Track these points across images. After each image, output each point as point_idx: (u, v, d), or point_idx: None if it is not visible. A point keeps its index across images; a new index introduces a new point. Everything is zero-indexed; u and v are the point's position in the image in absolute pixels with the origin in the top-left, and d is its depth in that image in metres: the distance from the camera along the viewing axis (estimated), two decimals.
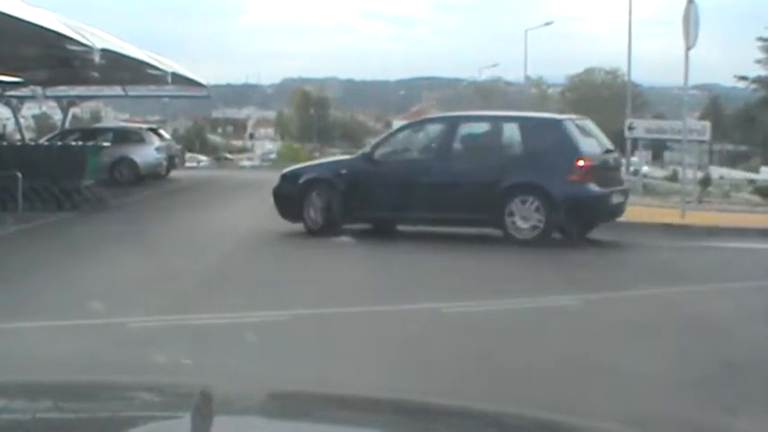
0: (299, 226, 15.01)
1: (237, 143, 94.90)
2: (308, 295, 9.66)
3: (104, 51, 21.29)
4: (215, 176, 33.86)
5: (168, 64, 28.45)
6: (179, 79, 30.37)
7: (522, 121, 14.84)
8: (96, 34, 21.74)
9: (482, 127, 15.39)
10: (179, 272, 11.35)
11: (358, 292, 9.96)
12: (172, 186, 28.74)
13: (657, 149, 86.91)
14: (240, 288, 10.13)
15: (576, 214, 13.33)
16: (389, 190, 14.16)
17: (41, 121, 75.36)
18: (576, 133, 13.87)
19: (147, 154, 28.60)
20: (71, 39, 19.75)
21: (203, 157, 60.31)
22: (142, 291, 9.94)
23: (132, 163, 28.41)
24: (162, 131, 33.50)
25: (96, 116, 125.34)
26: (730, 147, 76.63)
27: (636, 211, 17.65)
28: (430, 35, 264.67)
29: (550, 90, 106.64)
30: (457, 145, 14.66)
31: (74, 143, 23.65)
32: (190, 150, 76.96)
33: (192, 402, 2.30)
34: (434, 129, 15.46)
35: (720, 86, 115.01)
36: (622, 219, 16.22)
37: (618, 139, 74.79)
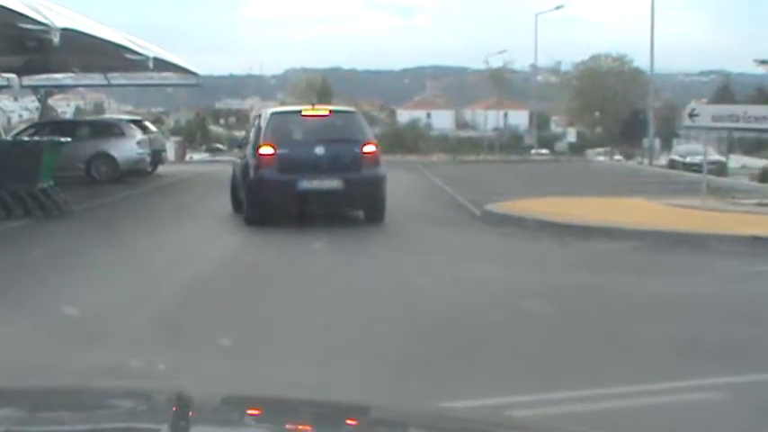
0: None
1: (240, 134, 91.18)
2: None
3: (65, 31, 17.77)
4: (207, 172, 30.03)
5: (151, 48, 24.84)
6: (165, 66, 26.75)
7: (261, 114, 16.32)
8: (58, 12, 18.15)
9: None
10: (123, 321, 7.78)
11: None
12: (155, 185, 25.11)
13: (667, 137, 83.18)
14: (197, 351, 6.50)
15: (257, 195, 14.42)
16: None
17: (45, 114, 71.92)
18: (277, 124, 15.03)
19: (126, 149, 24.93)
20: (24, 16, 16.21)
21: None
22: (57, 355, 6.35)
23: (110, 159, 24.77)
24: (147, 123, 29.80)
25: (99, 108, 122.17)
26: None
27: (709, 218, 14.01)
28: (434, 24, 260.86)
29: (553, 78, 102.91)
30: (249, 136, 16.20)
31: (27, 138, 20.00)
32: (191, 142, 73.11)
33: (170, 406, 2.20)
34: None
35: (727, 72, 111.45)
36: (697, 230, 12.62)
37: (629, 126, 70.69)
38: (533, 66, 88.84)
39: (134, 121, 29.20)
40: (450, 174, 27.82)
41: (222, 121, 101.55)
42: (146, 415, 2.26)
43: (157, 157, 28.61)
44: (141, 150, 25.30)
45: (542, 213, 14.84)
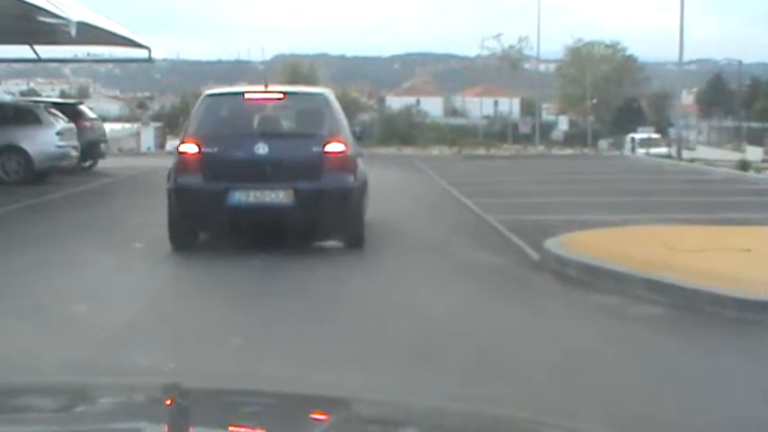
0: None
1: None
2: None
3: None
4: (164, 167, 23.01)
5: (83, 13, 18.19)
6: (99, 35, 19.97)
7: None
8: None
9: None
10: None
11: None
12: (83, 187, 18.32)
13: (662, 126, 76.86)
14: None
15: (176, 209, 10.15)
16: None
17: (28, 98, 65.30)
18: (208, 111, 10.62)
19: (43, 141, 18.14)
20: None
21: None
22: None
23: (22, 154, 18.07)
24: (84, 108, 23.00)
25: (84, 92, 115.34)
26: (756, 124, 66.25)
27: None
28: (424, 9, 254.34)
29: (543, 66, 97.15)
30: None
31: None
32: (173, 128, 65.97)
33: (168, 400, 2.07)
34: None
35: (712, 62, 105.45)
36: None
37: (623, 115, 64.49)
38: (522, 53, 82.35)
39: (68, 105, 22.48)
40: (462, 175, 21.06)
41: None
42: (144, 408, 2.14)
43: (95, 149, 21.91)
44: (63, 143, 18.52)
45: (653, 263, 8.19)
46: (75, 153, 19.09)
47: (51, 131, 18.32)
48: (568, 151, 34.73)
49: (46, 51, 24.06)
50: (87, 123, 21.45)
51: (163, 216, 11.38)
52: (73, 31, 17.27)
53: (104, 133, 22.85)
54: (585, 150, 39.45)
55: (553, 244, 9.71)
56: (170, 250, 10.39)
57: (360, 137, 12.35)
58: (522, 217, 12.55)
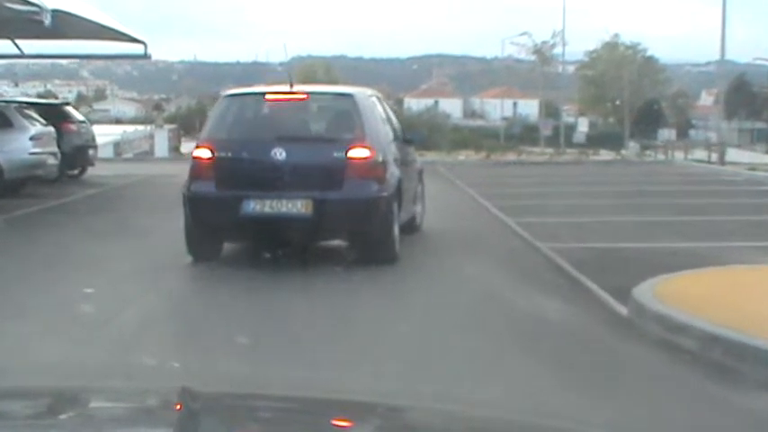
0: None
1: None
2: None
3: None
4: (165, 175, 19.97)
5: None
6: (80, 26, 17.24)
7: None
8: None
9: None
10: None
11: None
12: (61, 201, 15.56)
13: (682, 127, 73.56)
14: None
15: (190, 218, 9.23)
16: None
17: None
18: (225, 114, 9.68)
19: (15, 147, 15.35)
20: None
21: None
22: None
23: None
24: (71, 109, 20.31)
25: (101, 94, 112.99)
26: None
27: None
28: (441, 11, 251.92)
29: (562, 68, 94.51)
30: None
31: None
32: (188, 131, 63.19)
33: (179, 404, 2.03)
34: None
35: (734, 63, 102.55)
36: None
37: (644, 117, 61.31)
38: (551, 52, 79.64)
39: (52, 106, 19.83)
40: (496, 185, 18.08)
41: None
42: (154, 412, 2.09)
43: (83, 156, 19.20)
44: (38, 149, 15.75)
45: None
46: (53, 160, 16.34)
47: (24, 136, 15.58)
48: (605, 156, 31.73)
49: (59, 47, 21.61)
50: (74, 126, 18.77)
51: (140, 244, 10.40)
52: (47, 21, 14.63)
53: (94, 137, 20.12)
54: (623, 153, 36.42)
55: (646, 293, 6.89)
56: (130, 297, 7.75)
57: (410, 140, 11.23)
58: (583, 245, 9.76)
